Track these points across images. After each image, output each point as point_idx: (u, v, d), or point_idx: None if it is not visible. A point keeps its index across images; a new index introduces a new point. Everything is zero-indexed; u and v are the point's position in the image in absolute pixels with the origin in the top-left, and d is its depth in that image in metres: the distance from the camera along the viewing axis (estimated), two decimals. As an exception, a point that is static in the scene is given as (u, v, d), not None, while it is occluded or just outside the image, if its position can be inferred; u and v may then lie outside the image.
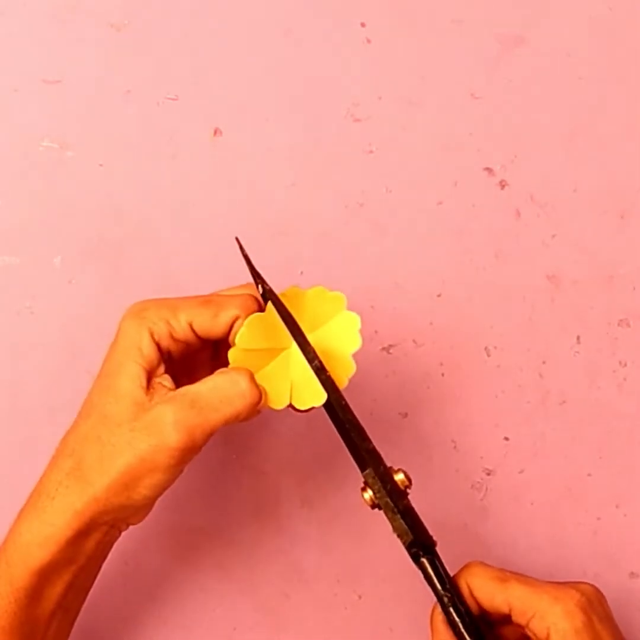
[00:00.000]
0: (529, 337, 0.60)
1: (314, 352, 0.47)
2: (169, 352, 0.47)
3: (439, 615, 0.48)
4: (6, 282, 0.58)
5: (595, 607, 0.47)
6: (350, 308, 0.49)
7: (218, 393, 0.45)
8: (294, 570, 0.58)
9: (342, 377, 0.48)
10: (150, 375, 0.46)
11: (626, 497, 0.60)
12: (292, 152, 0.60)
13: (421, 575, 0.47)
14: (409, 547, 0.47)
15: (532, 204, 0.61)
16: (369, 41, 0.61)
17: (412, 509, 0.47)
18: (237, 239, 0.49)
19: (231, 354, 0.47)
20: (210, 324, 0.47)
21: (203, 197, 0.60)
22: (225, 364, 0.47)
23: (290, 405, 0.48)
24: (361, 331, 0.48)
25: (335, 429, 0.48)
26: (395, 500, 0.46)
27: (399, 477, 0.47)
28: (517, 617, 0.47)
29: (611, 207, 0.62)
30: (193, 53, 0.60)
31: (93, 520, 0.45)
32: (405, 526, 0.46)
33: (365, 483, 0.47)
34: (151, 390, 0.46)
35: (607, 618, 0.47)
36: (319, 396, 0.47)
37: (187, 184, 0.60)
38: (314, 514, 0.59)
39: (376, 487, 0.46)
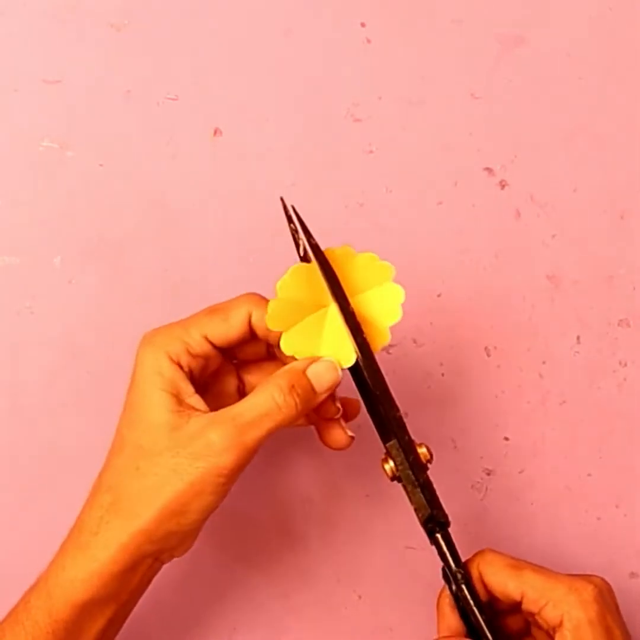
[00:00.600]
0: (529, 337, 0.60)
1: (353, 312, 0.47)
2: (191, 371, 0.47)
3: (446, 598, 0.48)
4: (6, 282, 0.58)
5: (607, 600, 0.47)
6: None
7: (258, 410, 0.45)
8: (294, 570, 0.58)
9: (376, 345, 0.48)
10: (178, 398, 0.46)
11: (626, 497, 0.60)
12: (292, 152, 0.60)
13: (435, 552, 0.47)
14: (425, 522, 0.47)
15: (532, 204, 0.61)
16: (369, 41, 0.61)
17: (431, 484, 0.47)
18: (282, 198, 0.49)
19: (271, 304, 0.46)
20: (223, 330, 0.47)
21: (203, 197, 0.60)
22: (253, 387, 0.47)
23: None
24: (403, 305, 0.48)
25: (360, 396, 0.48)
26: (416, 473, 0.46)
27: (422, 450, 0.47)
28: (528, 605, 0.47)
29: (611, 207, 0.62)
30: (193, 53, 0.60)
31: (139, 553, 0.45)
32: (424, 500, 0.46)
33: (388, 454, 0.47)
34: (184, 413, 0.45)
35: (617, 612, 0.48)
36: (349, 358, 0.47)
37: (187, 184, 0.60)
38: (314, 514, 0.59)
39: (399, 458, 0.47)
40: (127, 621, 0.55)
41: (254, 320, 0.47)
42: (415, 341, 0.60)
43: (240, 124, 0.60)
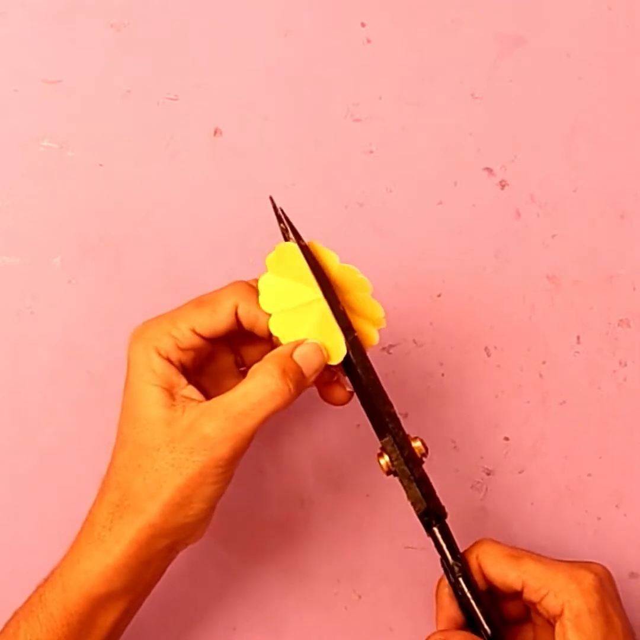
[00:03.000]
0: (529, 337, 0.60)
1: (344, 311, 0.47)
2: (182, 365, 0.47)
3: (445, 588, 0.48)
4: (6, 282, 0.58)
5: (608, 588, 0.47)
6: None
7: (250, 399, 0.45)
8: (294, 570, 0.58)
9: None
10: (171, 392, 0.46)
11: (626, 497, 0.60)
12: (292, 152, 0.60)
13: (432, 544, 0.47)
14: (421, 515, 0.47)
15: (532, 204, 0.61)
16: (369, 41, 0.61)
17: (426, 477, 0.47)
18: (271, 198, 0.49)
19: (262, 281, 0.47)
20: (211, 322, 0.47)
21: (203, 197, 0.60)
22: (250, 366, 0.47)
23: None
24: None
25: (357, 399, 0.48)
26: (411, 468, 0.47)
27: (416, 444, 0.47)
28: (529, 594, 0.47)
29: (611, 207, 0.62)
30: (193, 53, 0.60)
31: (152, 547, 0.45)
32: (420, 494, 0.47)
33: (383, 449, 0.47)
34: (179, 405, 0.45)
35: (618, 600, 0.48)
36: (338, 354, 0.47)
37: (187, 184, 0.60)
38: (314, 514, 0.59)
39: (394, 454, 0.47)
40: (127, 621, 0.55)
41: (240, 312, 0.47)
42: (415, 341, 0.60)
43: (240, 124, 0.60)
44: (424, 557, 0.58)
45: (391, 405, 0.47)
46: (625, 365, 0.61)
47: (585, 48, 0.63)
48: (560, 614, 0.46)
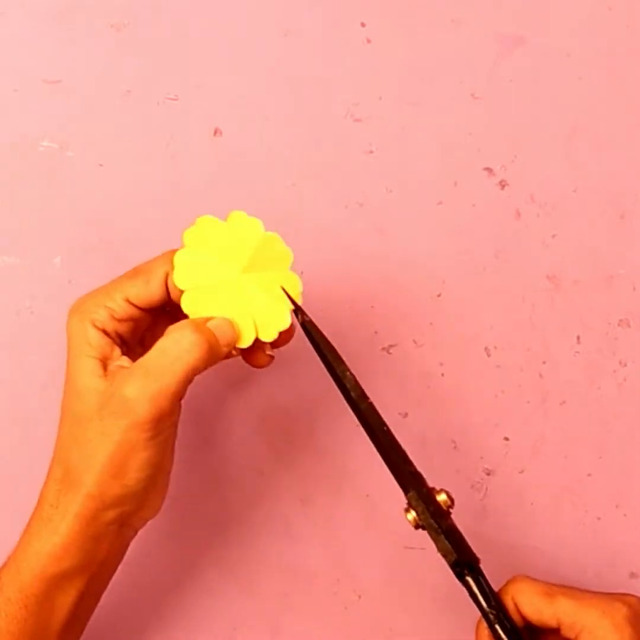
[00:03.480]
0: (529, 337, 0.60)
1: (355, 379, 0.48)
2: (120, 335, 0.47)
3: (485, 630, 0.48)
4: (6, 282, 0.58)
5: None
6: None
7: (167, 356, 0.44)
8: (294, 570, 0.58)
9: (273, 330, 0.48)
10: (105, 363, 0.46)
11: (626, 497, 0.60)
12: (292, 152, 0.60)
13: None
14: (453, 566, 0.47)
15: (532, 204, 0.61)
16: (369, 41, 0.61)
17: (455, 528, 0.48)
18: (283, 288, 0.48)
19: (177, 257, 0.47)
20: (145, 291, 0.47)
21: (203, 197, 0.60)
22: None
23: (257, 340, 0.48)
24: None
25: (376, 450, 0.49)
26: (438, 521, 0.47)
27: (441, 497, 0.48)
28: (566, 632, 0.47)
29: (611, 207, 0.62)
30: (193, 53, 0.60)
31: (98, 520, 0.45)
32: (449, 546, 0.47)
33: (409, 504, 0.48)
34: (111, 375, 0.46)
35: None
36: (284, 320, 0.47)
37: (187, 184, 0.60)
38: (314, 514, 0.59)
39: (420, 508, 0.47)
40: (126, 621, 0.56)
41: (168, 281, 0.47)
42: (415, 341, 0.60)
43: (240, 124, 0.60)
44: (424, 557, 0.58)
45: (411, 464, 0.48)
46: (625, 365, 0.61)
47: (585, 48, 0.63)
48: None
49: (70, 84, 0.59)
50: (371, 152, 0.61)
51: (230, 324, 0.47)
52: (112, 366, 0.46)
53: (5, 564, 0.47)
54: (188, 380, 0.45)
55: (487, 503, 0.59)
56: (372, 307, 0.60)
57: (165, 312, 0.49)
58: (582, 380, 0.60)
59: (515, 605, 0.48)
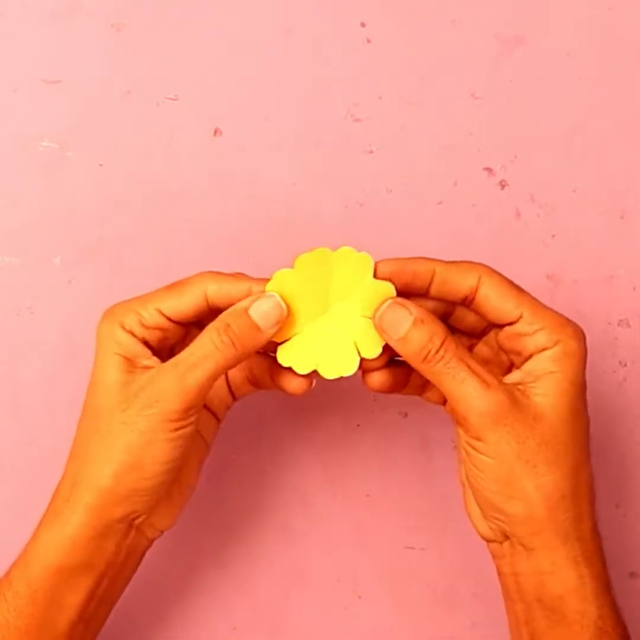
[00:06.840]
0: (529, 337, 0.60)
1: None
2: (147, 342, 0.48)
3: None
4: (6, 282, 0.58)
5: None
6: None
7: (197, 353, 0.45)
8: (294, 570, 0.58)
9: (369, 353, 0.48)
10: (132, 361, 0.47)
11: (626, 497, 0.60)
12: (292, 152, 0.60)
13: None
14: None
15: (532, 204, 0.61)
16: (369, 41, 0.61)
17: None
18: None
19: (275, 276, 0.47)
20: (177, 304, 0.48)
21: (203, 197, 0.60)
22: None
23: (315, 372, 0.48)
24: None
25: None
26: None
27: None
28: (523, 326, 0.47)
29: (611, 207, 0.62)
30: (193, 53, 0.60)
31: (107, 516, 0.45)
32: None
33: None
34: (137, 371, 0.46)
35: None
36: (350, 365, 0.47)
37: (187, 184, 0.60)
38: (314, 514, 0.59)
39: None
40: (126, 621, 0.56)
41: (210, 293, 0.48)
42: (415, 341, 0.60)
43: (240, 124, 0.60)
44: (424, 557, 0.58)
45: None
46: (625, 365, 0.61)
47: (585, 48, 0.63)
48: (553, 346, 0.46)
49: (70, 84, 0.59)
50: (371, 152, 0.61)
51: (276, 302, 0.47)
52: (140, 365, 0.47)
53: (16, 560, 0.47)
54: (216, 376, 0.46)
55: (487, 503, 0.59)
56: (372, 307, 0.60)
57: (201, 326, 0.49)
58: (582, 380, 0.60)
59: (485, 296, 0.48)
